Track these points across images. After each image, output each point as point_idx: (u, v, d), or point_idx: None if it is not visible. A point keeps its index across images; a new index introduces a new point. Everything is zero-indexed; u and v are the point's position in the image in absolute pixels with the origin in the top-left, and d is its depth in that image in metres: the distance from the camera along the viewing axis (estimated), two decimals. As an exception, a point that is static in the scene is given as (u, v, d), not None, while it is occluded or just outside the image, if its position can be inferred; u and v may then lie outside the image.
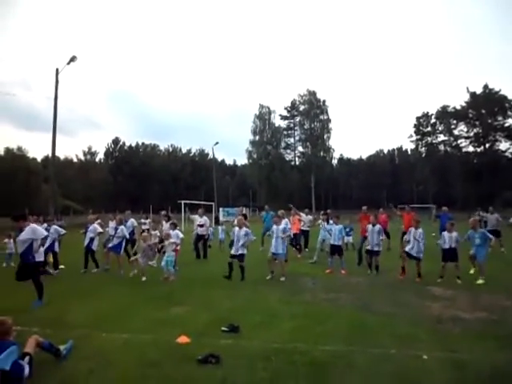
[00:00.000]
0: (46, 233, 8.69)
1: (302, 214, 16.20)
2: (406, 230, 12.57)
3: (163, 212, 16.52)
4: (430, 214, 31.59)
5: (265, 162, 77.38)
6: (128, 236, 12.72)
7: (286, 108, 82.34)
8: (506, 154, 68.96)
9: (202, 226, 15.06)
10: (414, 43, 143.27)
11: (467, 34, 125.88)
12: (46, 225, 12.94)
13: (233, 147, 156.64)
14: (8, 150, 66.55)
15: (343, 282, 10.43)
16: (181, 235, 11.78)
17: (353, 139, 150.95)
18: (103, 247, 13.19)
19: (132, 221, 15.15)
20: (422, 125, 76.86)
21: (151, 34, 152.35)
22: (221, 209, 45.84)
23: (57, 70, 26.45)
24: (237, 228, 11.05)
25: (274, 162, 76.72)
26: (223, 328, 6.28)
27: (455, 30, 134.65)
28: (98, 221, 13.97)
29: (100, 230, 12.91)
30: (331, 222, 12.99)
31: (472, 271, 10.88)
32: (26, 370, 4.36)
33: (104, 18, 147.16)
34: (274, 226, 11.23)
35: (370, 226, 11.68)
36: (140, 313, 7.40)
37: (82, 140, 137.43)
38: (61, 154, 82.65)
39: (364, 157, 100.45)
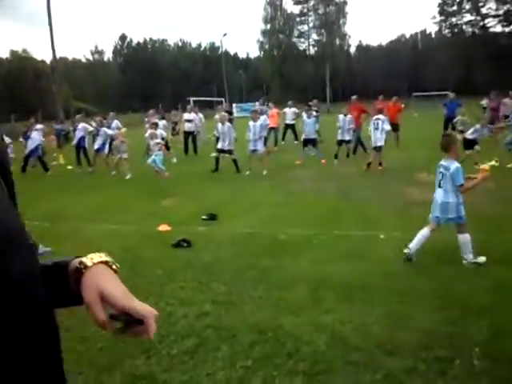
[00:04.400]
0: None
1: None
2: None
3: (150, 111, 15.84)
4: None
5: (277, 52, 73.75)
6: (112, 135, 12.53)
7: (299, -9, 75.93)
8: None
9: (189, 121, 14.92)
10: None
11: None
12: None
13: (245, 39, 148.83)
14: (13, 52, 65.24)
15: (333, 172, 10.68)
16: (164, 134, 12.31)
17: (372, 24, 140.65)
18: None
19: (116, 122, 14.57)
20: (447, 4, 70.48)
21: None
22: (234, 105, 44.96)
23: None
24: (220, 124, 11.16)
25: (286, 53, 73.03)
26: (203, 217, 6.77)
27: None
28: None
29: (91, 128, 13.24)
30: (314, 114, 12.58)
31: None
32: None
33: None
34: (251, 122, 11.10)
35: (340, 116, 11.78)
36: (131, 206, 7.95)
37: (88, 38, 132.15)
38: (69, 54, 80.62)
39: (384, 43, 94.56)
